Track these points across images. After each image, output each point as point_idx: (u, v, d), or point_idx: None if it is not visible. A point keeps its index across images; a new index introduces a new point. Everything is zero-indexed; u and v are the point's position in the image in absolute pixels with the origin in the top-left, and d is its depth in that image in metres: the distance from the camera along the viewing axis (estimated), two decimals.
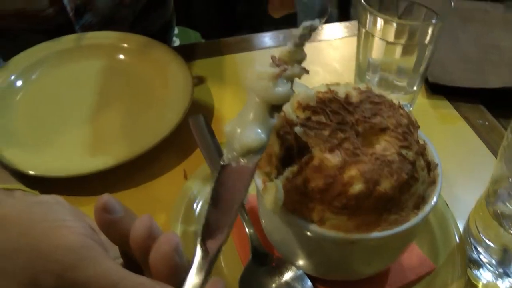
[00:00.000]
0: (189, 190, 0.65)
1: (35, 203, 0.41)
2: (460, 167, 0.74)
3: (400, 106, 0.55)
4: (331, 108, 0.51)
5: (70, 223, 0.38)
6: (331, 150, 0.48)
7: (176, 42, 1.27)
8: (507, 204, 0.59)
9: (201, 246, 0.39)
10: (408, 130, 0.52)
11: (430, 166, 0.53)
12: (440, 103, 0.86)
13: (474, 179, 0.72)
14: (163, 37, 1.15)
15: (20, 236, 0.37)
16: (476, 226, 0.63)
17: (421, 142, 0.54)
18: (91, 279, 0.35)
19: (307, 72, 0.47)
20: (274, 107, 0.45)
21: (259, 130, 0.43)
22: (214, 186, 0.43)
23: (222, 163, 0.44)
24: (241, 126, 0.44)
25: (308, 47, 0.82)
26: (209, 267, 0.39)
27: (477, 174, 0.72)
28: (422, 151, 0.52)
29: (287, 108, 0.51)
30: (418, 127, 0.55)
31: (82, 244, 0.37)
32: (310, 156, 0.48)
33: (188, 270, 0.38)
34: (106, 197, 0.40)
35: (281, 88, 0.44)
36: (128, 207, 0.42)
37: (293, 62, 0.46)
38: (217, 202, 0.43)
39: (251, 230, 0.59)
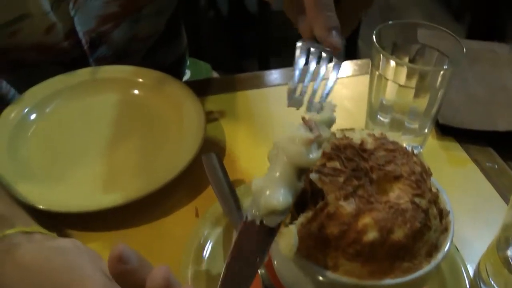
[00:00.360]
0: (201, 230, 0.65)
1: (55, 249, 0.41)
2: (470, 211, 0.74)
3: (413, 154, 0.56)
4: (346, 154, 0.52)
5: (88, 272, 0.39)
6: (345, 198, 0.48)
7: (187, 73, 1.28)
8: None
9: None
10: (421, 178, 0.53)
11: (442, 214, 0.53)
12: (450, 145, 0.86)
13: (484, 223, 0.72)
14: (176, 70, 1.16)
15: (41, 287, 0.38)
16: (487, 272, 0.63)
17: (433, 190, 0.54)
18: None
19: (334, 136, 0.48)
20: (303, 170, 0.45)
21: (286, 192, 0.44)
22: (236, 242, 0.44)
23: (245, 219, 0.45)
24: (269, 186, 0.44)
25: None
26: None
27: (487, 219, 0.73)
28: (435, 199, 0.53)
29: None
30: (431, 174, 0.55)
31: None
32: (325, 203, 0.49)
33: None
34: (121, 247, 0.40)
35: (313, 154, 0.45)
36: (143, 257, 0.42)
37: (323, 126, 0.47)
38: (237, 257, 0.44)
39: (263, 271, 0.60)
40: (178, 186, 0.73)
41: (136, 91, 0.87)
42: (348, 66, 1.04)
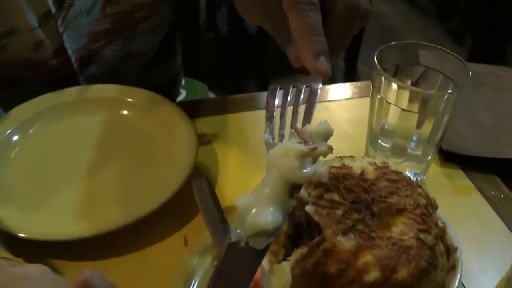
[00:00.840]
0: (189, 261, 0.61)
1: (17, 277, 0.38)
2: (475, 244, 0.70)
3: (418, 185, 0.52)
4: (345, 185, 0.48)
5: None
6: (344, 233, 0.45)
7: (183, 93, 1.25)
8: None
9: None
10: (426, 211, 0.49)
11: (449, 250, 0.49)
12: (454, 172, 0.82)
13: (491, 257, 0.68)
14: (171, 89, 1.13)
15: None
16: None
17: (440, 224, 0.51)
18: None
19: (332, 151, 0.43)
20: (295, 187, 0.41)
21: (276, 211, 0.40)
22: (218, 265, 0.40)
23: (229, 240, 0.41)
24: (257, 204, 0.41)
25: (318, 106, 0.80)
26: None
27: (493, 252, 0.69)
28: (441, 235, 0.49)
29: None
30: (437, 207, 0.52)
31: None
32: (321, 238, 0.45)
33: None
34: (88, 273, 0.38)
35: (307, 169, 0.41)
36: (112, 282, 0.39)
37: (319, 138, 0.43)
38: (219, 283, 0.39)
39: None
40: (167, 213, 0.69)
41: (125, 112, 0.83)
42: (348, 89, 1.00)
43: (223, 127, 0.87)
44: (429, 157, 0.75)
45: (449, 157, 0.84)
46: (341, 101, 0.96)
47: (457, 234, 0.63)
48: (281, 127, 0.51)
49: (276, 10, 0.54)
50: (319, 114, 0.89)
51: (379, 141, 0.75)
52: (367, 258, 0.43)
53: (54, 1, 0.81)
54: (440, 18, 3.64)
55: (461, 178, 0.81)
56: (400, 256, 0.44)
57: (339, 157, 0.52)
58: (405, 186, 0.50)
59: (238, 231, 0.41)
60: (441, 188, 0.79)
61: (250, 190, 0.46)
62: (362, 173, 0.50)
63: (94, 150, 0.78)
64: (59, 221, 0.66)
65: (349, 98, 0.98)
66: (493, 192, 0.79)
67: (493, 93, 0.98)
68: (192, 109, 0.85)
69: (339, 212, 0.46)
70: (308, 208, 0.46)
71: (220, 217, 0.62)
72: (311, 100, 0.54)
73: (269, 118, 0.52)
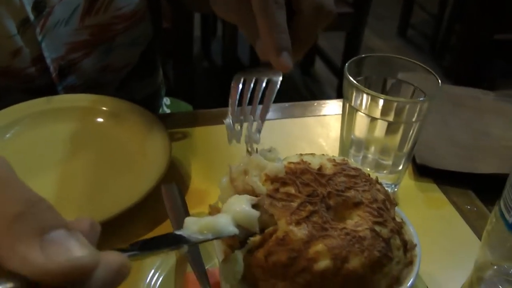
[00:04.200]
0: (153, 261, 0.61)
1: None
2: (446, 253, 0.71)
3: (377, 181, 0.52)
4: (302, 179, 0.48)
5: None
6: (297, 223, 0.45)
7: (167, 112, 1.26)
8: None
9: None
10: (384, 206, 0.49)
11: (407, 246, 0.49)
12: (428, 186, 0.83)
13: (460, 266, 0.68)
14: (150, 105, 1.14)
15: None
16: None
17: (398, 219, 0.51)
18: None
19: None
20: None
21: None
22: None
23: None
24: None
25: (296, 122, 0.84)
26: None
27: (463, 261, 0.68)
28: (398, 229, 0.49)
29: (256, 181, 0.48)
30: (396, 204, 0.52)
31: None
32: (274, 228, 0.45)
33: None
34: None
35: None
36: None
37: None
38: None
39: None
40: (136, 216, 0.69)
41: (100, 120, 0.84)
42: (330, 105, 1.01)
43: (199, 138, 0.89)
44: (400, 168, 0.75)
45: (423, 172, 0.84)
46: (320, 117, 0.98)
47: (428, 243, 0.63)
48: (241, 113, 0.57)
49: (246, 8, 0.57)
50: (297, 129, 0.91)
51: (351, 152, 0.75)
52: (318, 247, 0.43)
53: (32, 8, 0.82)
54: (433, 54, 3.69)
55: (435, 192, 0.82)
56: (352, 246, 0.44)
57: (299, 154, 0.53)
58: (363, 181, 0.50)
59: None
60: (415, 201, 0.80)
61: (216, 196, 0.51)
62: (320, 169, 0.50)
63: (68, 155, 0.79)
64: None
65: (328, 115, 0.99)
66: (467, 206, 0.79)
67: (471, 115, 0.99)
68: (169, 121, 0.87)
69: (294, 204, 0.46)
70: (263, 200, 0.46)
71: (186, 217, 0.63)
72: (270, 91, 0.58)
73: (232, 104, 0.57)
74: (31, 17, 0.83)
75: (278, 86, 0.59)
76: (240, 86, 0.59)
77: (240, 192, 0.49)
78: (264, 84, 0.59)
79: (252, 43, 0.60)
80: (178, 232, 0.41)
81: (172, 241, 0.41)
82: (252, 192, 0.48)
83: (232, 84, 0.59)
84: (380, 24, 3.94)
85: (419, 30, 4.00)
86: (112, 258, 0.32)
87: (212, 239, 0.42)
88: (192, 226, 0.42)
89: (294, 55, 0.57)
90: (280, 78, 0.59)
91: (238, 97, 0.58)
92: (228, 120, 0.55)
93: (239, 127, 0.56)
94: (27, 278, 0.28)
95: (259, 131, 0.54)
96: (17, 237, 0.29)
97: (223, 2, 0.63)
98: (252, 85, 0.59)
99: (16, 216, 0.29)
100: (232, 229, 0.44)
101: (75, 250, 0.29)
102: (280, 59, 0.56)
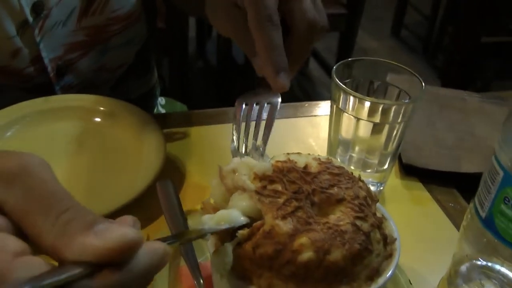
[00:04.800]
0: None
1: None
2: (429, 249, 0.74)
3: (359, 179, 0.55)
4: (289, 177, 0.51)
5: None
6: (283, 218, 0.48)
7: (162, 112, 1.29)
8: (468, 284, 0.58)
9: None
10: (365, 202, 0.52)
11: (387, 240, 0.52)
12: (413, 184, 0.86)
13: (441, 260, 0.71)
14: (145, 104, 1.17)
15: None
16: None
17: (379, 215, 0.54)
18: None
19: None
20: None
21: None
22: None
23: None
24: None
25: (287, 122, 0.87)
26: None
27: (444, 256, 0.71)
28: (378, 224, 0.52)
29: (245, 180, 0.51)
30: (377, 200, 0.55)
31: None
32: (261, 222, 0.48)
33: None
34: None
35: None
36: None
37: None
38: None
39: None
40: (131, 212, 0.70)
41: (97, 119, 0.88)
42: (320, 106, 1.04)
43: (193, 137, 0.91)
44: (386, 167, 0.78)
45: (409, 171, 0.87)
46: (310, 117, 1.01)
47: (412, 238, 0.67)
48: (246, 139, 0.63)
49: (243, 26, 0.61)
50: (287, 129, 0.94)
51: (338, 151, 0.78)
52: (302, 240, 0.46)
53: (31, 11, 0.85)
54: (426, 55, 3.73)
55: (420, 190, 0.85)
56: (334, 239, 0.47)
57: (286, 153, 0.56)
58: (346, 179, 0.53)
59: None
60: (400, 199, 0.83)
61: (208, 193, 0.55)
62: (305, 167, 0.53)
63: (65, 153, 0.82)
64: None
65: (319, 115, 1.02)
66: (451, 204, 0.82)
67: (457, 116, 1.02)
68: (165, 121, 0.89)
69: (281, 200, 0.49)
70: (252, 196, 0.49)
71: (181, 214, 0.65)
72: (271, 115, 0.65)
73: (236, 130, 0.63)
74: (30, 19, 0.85)
75: (278, 107, 0.65)
76: (243, 109, 0.65)
77: (230, 190, 0.52)
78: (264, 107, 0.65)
79: (250, 58, 0.63)
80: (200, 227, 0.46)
81: (198, 232, 0.46)
82: (242, 190, 0.51)
83: (235, 111, 0.64)
84: (374, 25, 3.98)
85: (413, 31, 4.04)
86: (157, 245, 0.37)
87: (228, 228, 0.48)
88: (209, 221, 0.47)
89: (289, 71, 0.61)
90: (279, 100, 0.66)
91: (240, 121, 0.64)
92: (233, 145, 0.61)
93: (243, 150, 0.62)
94: (87, 264, 0.33)
95: (262, 154, 0.58)
96: (73, 232, 0.34)
97: (220, 18, 0.66)
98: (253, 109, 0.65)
99: (68, 219, 0.35)
100: (243, 219, 0.49)
101: (123, 230, 0.34)
102: (278, 80, 0.60)
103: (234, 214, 0.49)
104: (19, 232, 0.36)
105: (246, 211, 0.49)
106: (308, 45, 0.65)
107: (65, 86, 0.96)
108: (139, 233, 0.35)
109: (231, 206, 0.50)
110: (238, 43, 0.65)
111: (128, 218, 0.39)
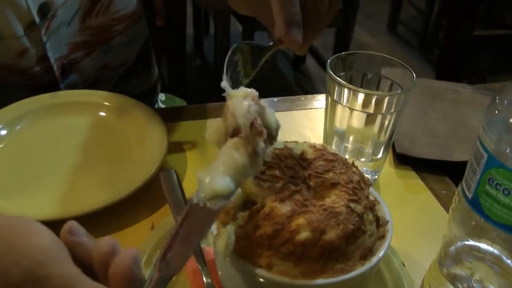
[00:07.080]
0: (153, 239, 0.67)
1: (12, 216, 0.44)
2: (422, 232, 0.77)
3: (353, 165, 0.58)
4: (286, 163, 0.55)
5: (44, 230, 0.42)
6: (281, 201, 0.51)
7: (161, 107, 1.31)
8: (459, 265, 0.61)
9: (158, 268, 0.43)
10: (358, 186, 0.55)
11: (379, 222, 0.55)
12: (407, 173, 0.89)
13: (433, 243, 0.73)
14: (146, 101, 1.20)
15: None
16: (430, 287, 0.65)
17: (372, 198, 0.57)
18: (55, 277, 0.39)
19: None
20: (254, 154, 0.48)
21: (231, 180, 0.47)
22: (181, 220, 0.46)
23: (191, 201, 0.47)
24: (215, 173, 0.47)
25: (284, 115, 0.89)
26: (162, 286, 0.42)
27: (437, 239, 0.74)
28: (371, 206, 0.55)
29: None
30: (370, 185, 0.58)
31: (53, 246, 0.41)
32: (261, 205, 0.51)
33: (144, 284, 0.42)
34: (71, 222, 0.44)
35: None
36: (90, 234, 0.45)
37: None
38: (178, 235, 0.46)
39: (209, 280, 0.61)
40: (137, 202, 0.75)
41: (103, 114, 0.91)
42: (317, 99, 1.07)
43: (194, 131, 0.94)
44: (380, 156, 0.81)
45: (403, 160, 0.90)
46: (307, 110, 1.05)
47: (405, 224, 0.71)
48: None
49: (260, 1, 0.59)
50: (284, 121, 0.96)
51: (333, 141, 0.82)
52: (299, 221, 0.49)
53: (38, 12, 0.88)
54: (422, 49, 3.75)
55: (414, 179, 0.88)
56: (329, 220, 0.50)
57: (283, 141, 0.59)
58: (340, 165, 0.56)
59: (200, 194, 0.46)
60: (395, 187, 0.86)
61: None
62: (302, 154, 0.56)
63: (73, 146, 0.85)
64: (38, 206, 0.72)
65: (316, 108, 1.05)
66: (443, 191, 0.86)
67: (450, 107, 1.05)
68: (167, 115, 0.93)
69: (279, 185, 0.52)
70: (252, 181, 0.53)
71: (184, 202, 0.68)
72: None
73: (228, 65, 0.58)
74: (37, 20, 0.88)
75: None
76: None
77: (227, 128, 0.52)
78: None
79: (270, 29, 0.60)
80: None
81: None
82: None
83: (230, 52, 0.59)
84: (370, 21, 4.01)
85: (409, 26, 4.07)
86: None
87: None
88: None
89: (305, 37, 0.58)
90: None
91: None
92: (225, 83, 0.54)
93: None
94: None
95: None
96: None
97: None
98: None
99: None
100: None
101: None
102: (290, 32, 0.56)
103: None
104: None
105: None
106: (321, 12, 0.61)
107: (70, 84, 1.00)
108: None
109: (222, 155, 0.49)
110: (257, 16, 0.63)
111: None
